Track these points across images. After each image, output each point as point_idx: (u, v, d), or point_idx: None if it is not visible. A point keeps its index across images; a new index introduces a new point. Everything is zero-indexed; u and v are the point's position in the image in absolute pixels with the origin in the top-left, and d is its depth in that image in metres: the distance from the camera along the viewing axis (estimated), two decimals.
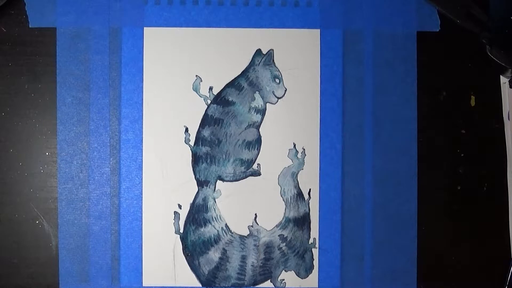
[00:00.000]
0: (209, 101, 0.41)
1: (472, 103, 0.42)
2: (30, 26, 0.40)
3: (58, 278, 0.40)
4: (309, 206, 0.41)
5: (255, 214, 0.41)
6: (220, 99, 0.41)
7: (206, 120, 0.41)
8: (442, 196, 0.41)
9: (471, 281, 0.41)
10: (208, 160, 0.41)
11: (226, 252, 0.41)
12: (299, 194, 0.41)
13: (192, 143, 0.41)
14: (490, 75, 0.42)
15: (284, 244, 0.41)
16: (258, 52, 0.41)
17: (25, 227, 0.41)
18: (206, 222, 0.41)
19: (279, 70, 0.41)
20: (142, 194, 0.40)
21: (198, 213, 0.40)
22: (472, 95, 0.42)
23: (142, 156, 0.40)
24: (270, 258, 0.41)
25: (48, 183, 0.41)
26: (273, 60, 0.41)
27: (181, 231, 0.40)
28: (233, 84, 0.41)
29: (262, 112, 0.41)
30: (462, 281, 0.41)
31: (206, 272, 0.40)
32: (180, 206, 0.40)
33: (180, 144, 0.41)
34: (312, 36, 0.41)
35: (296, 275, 0.41)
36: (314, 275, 0.41)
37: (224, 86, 0.41)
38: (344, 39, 0.41)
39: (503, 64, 0.39)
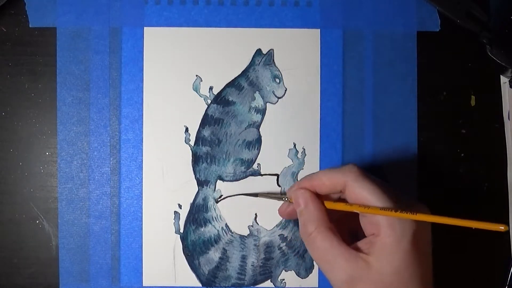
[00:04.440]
0: (209, 101, 0.41)
1: (472, 103, 0.42)
2: (30, 26, 0.40)
3: (58, 278, 0.40)
4: None
5: (255, 214, 0.41)
6: (220, 99, 0.41)
7: (206, 120, 0.41)
8: (442, 196, 0.41)
9: (471, 281, 0.41)
10: (208, 160, 0.41)
11: (226, 252, 0.41)
12: None
13: (192, 143, 0.41)
14: (490, 75, 0.42)
15: (284, 244, 0.41)
16: (258, 52, 0.41)
17: (25, 227, 0.41)
18: (206, 222, 0.41)
19: (279, 70, 0.41)
20: (142, 194, 0.40)
21: (198, 213, 0.40)
22: (472, 95, 0.42)
23: (142, 156, 0.40)
24: (270, 258, 0.41)
25: (48, 183, 0.41)
26: (273, 60, 0.41)
27: (181, 231, 0.40)
28: (233, 84, 0.41)
29: (262, 112, 0.41)
30: (462, 281, 0.41)
31: (206, 272, 0.40)
32: (180, 206, 0.40)
33: (180, 144, 0.41)
34: (312, 36, 0.41)
35: (296, 275, 0.41)
36: (314, 275, 0.41)
37: (224, 86, 0.41)
38: (344, 39, 0.41)
39: (503, 64, 0.39)
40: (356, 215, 0.33)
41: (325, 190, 0.33)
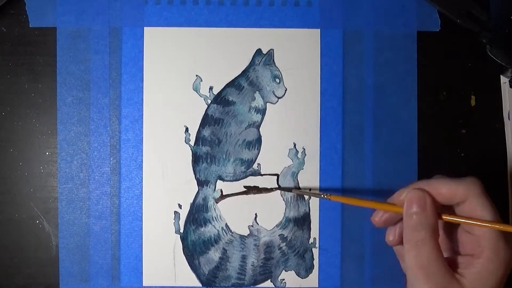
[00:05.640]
0: (209, 101, 0.41)
1: (472, 103, 0.42)
2: (30, 26, 0.40)
3: (58, 278, 0.40)
4: (309, 206, 0.41)
5: (255, 214, 0.41)
6: (220, 99, 0.41)
7: (206, 120, 0.41)
8: None
9: None
10: (208, 160, 0.41)
11: (226, 252, 0.41)
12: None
13: (192, 143, 0.41)
14: (490, 75, 0.42)
15: (284, 244, 0.41)
16: (258, 52, 0.41)
17: (25, 227, 0.41)
18: (206, 222, 0.41)
19: (279, 70, 0.41)
20: (142, 194, 0.40)
21: (198, 213, 0.40)
22: (472, 95, 0.42)
23: (142, 156, 0.40)
24: (270, 258, 0.41)
25: (48, 183, 0.41)
26: (273, 60, 0.41)
27: (181, 231, 0.40)
28: (233, 84, 0.41)
29: (262, 112, 0.41)
30: None
31: (206, 272, 0.40)
32: (180, 206, 0.40)
33: (180, 144, 0.41)
34: (312, 36, 0.41)
35: (296, 275, 0.41)
36: (314, 275, 0.41)
37: (224, 86, 0.41)
38: (344, 39, 0.41)
39: (503, 64, 0.39)
40: (451, 231, 0.33)
41: (440, 200, 0.31)
